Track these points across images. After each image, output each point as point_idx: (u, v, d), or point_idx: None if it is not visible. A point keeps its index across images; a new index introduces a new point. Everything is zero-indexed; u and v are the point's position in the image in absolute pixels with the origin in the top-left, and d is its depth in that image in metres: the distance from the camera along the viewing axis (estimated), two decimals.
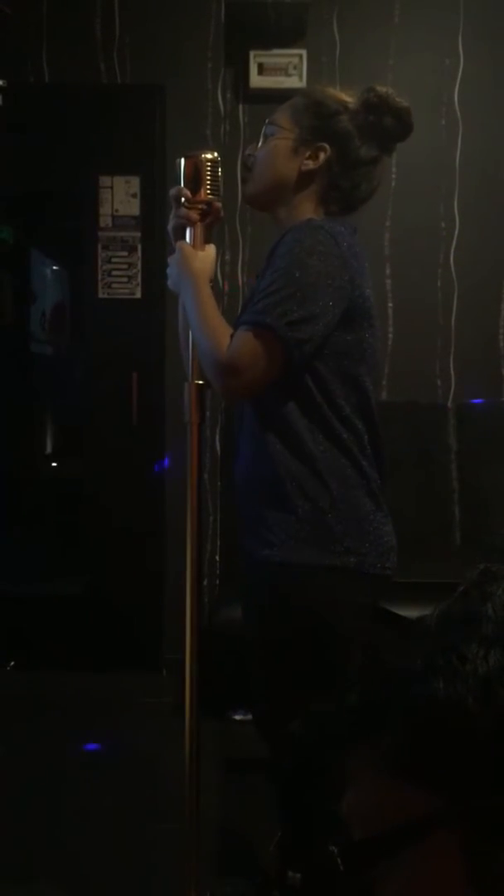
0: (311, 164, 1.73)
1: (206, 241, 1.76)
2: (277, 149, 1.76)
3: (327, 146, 1.72)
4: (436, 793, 0.53)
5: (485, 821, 0.51)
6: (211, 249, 1.76)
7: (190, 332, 1.70)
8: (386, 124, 1.73)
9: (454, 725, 0.52)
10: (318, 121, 1.74)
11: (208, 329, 1.64)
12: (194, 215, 1.71)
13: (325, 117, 1.74)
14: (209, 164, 1.72)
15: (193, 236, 1.74)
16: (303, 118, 1.75)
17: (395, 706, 0.55)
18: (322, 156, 1.72)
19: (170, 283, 1.77)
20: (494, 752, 0.51)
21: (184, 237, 1.74)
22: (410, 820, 0.53)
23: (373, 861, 0.55)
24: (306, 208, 1.75)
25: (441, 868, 0.52)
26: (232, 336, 1.62)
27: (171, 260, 1.76)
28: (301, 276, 1.57)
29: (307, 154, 1.73)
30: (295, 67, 3.69)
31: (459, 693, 0.52)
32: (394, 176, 3.77)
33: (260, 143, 1.80)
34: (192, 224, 1.72)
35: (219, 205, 1.73)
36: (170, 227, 1.76)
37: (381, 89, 1.73)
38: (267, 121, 1.81)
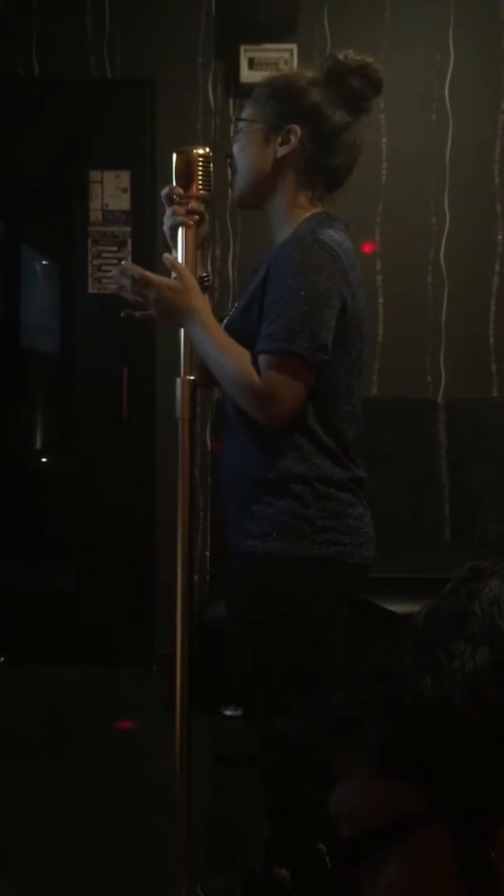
0: (284, 149, 1.73)
1: (198, 241, 1.77)
2: (248, 141, 1.77)
3: (297, 127, 1.71)
4: (424, 790, 0.53)
5: (473, 817, 0.51)
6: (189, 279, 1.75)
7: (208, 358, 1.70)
8: (355, 86, 1.72)
9: (441, 723, 0.53)
10: (282, 104, 1.73)
11: (233, 358, 1.65)
12: (193, 213, 1.71)
13: (289, 98, 1.73)
14: (201, 159, 1.72)
15: (186, 238, 1.74)
16: (266, 106, 1.75)
17: (382, 703, 0.56)
18: (293, 138, 1.72)
19: (163, 321, 1.73)
20: (481, 750, 0.51)
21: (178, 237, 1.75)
22: (399, 817, 0.53)
23: (361, 858, 0.55)
24: (290, 195, 1.75)
25: (429, 864, 0.53)
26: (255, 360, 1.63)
27: (164, 292, 1.68)
28: (313, 295, 1.59)
29: (279, 140, 1.73)
30: (286, 62, 3.68)
31: (447, 691, 0.53)
32: (384, 171, 3.77)
33: (234, 144, 1.81)
34: (189, 224, 1.72)
35: (201, 207, 1.73)
36: (166, 227, 1.76)
37: (339, 54, 1.73)
38: (235, 118, 1.82)
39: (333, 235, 1.65)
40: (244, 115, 1.78)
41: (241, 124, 1.78)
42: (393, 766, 0.54)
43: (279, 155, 1.73)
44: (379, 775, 0.55)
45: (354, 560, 1.69)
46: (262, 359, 1.62)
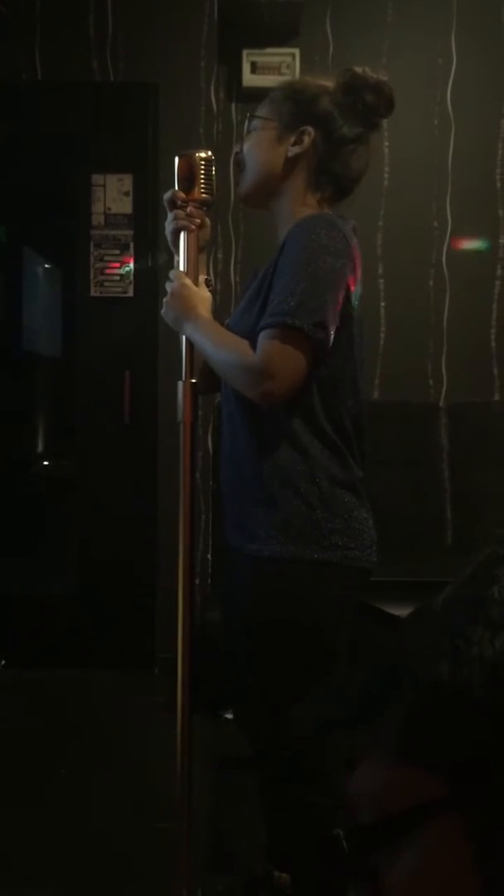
0: (296, 149, 1.73)
1: (200, 245, 1.77)
2: (261, 139, 1.77)
3: (311, 129, 1.72)
4: (441, 776, 0.53)
5: (490, 804, 0.51)
6: (206, 292, 1.79)
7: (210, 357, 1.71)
8: (368, 101, 1.73)
9: (459, 710, 0.52)
10: (297, 106, 1.74)
11: (228, 347, 1.66)
12: (195, 218, 1.72)
13: (304, 102, 1.74)
14: (203, 163, 1.73)
15: (187, 242, 1.74)
16: (282, 107, 1.76)
17: (400, 690, 0.55)
18: (307, 139, 1.72)
19: (167, 318, 1.76)
20: (499, 736, 0.51)
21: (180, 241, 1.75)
22: (416, 803, 0.53)
23: (378, 845, 0.55)
24: (297, 196, 1.75)
25: (446, 852, 0.52)
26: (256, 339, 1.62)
27: (171, 298, 1.74)
28: (320, 273, 1.57)
29: (291, 140, 1.74)
30: (288, 66, 3.69)
31: (464, 677, 0.52)
32: (386, 175, 3.78)
33: (245, 141, 1.81)
34: (191, 228, 1.73)
35: (203, 211, 1.74)
36: (168, 230, 1.76)
37: (357, 69, 1.74)
38: (249, 115, 1.82)
39: (346, 226, 1.66)
40: (259, 112, 1.79)
41: (255, 122, 1.78)
42: (410, 752, 0.54)
43: (291, 154, 1.74)
44: (397, 761, 0.55)
45: (360, 564, 1.68)
46: (260, 335, 1.60)
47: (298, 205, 1.74)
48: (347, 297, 1.63)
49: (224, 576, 1.85)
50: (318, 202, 1.75)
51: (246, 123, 1.82)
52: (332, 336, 1.60)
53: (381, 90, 1.73)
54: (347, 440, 1.70)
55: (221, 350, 1.66)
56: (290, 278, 1.58)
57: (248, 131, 1.80)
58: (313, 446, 1.65)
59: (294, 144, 1.73)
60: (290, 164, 1.74)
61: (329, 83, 1.76)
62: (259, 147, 1.77)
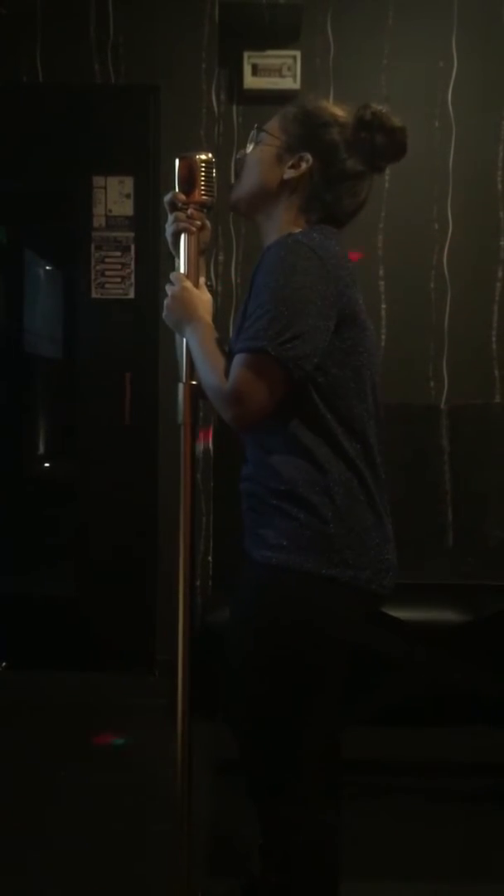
0: (292, 173, 1.71)
1: (200, 248, 1.77)
2: (263, 155, 1.75)
3: (309, 156, 1.70)
4: None
5: None
6: (207, 294, 1.80)
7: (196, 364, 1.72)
8: (377, 142, 1.70)
9: None
10: (305, 130, 1.72)
11: (210, 366, 1.66)
12: (196, 220, 1.72)
13: (313, 127, 1.71)
14: (203, 165, 1.73)
15: (188, 245, 1.74)
16: (291, 126, 1.74)
17: None
18: (304, 165, 1.70)
19: (168, 321, 1.77)
20: None
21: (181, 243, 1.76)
22: None
23: None
24: (287, 218, 1.73)
25: None
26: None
27: (171, 301, 1.75)
28: (286, 294, 1.55)
29: (290, 163, 1.72)
30: (289, 69, 3.69)
31: None
32: (387, 177, 3.77)
33: (249, 148, 1.80)
34: (192, 231, 1.73)
35: (203, 213, 1.75)
36: (168, 233, 1.76)
37: (377, 107, 1.71)
38: (256, 126, 1.80)
39: (315, 237, 1.64)
40: (267, 126, 1.77)
41: (262, 135, 1.77)
42: None
43: (286, 177, 1.72)
44: None
45: (370, 587, 1.65)
46: (233, 362, 1.60)
47: (288, 225, 1.72)
48: (334, 306, 1.60)
49: (234, 584, 1.84)
50: (307, 224, 1.73)
51: (252, 133, 1.80)
52: (312, 353, 1.57)
53: (395, 136, 1.71)
54: (366, 451, 1.68)
55: (205, 368, 1.67)
56: (257, 305, 1.57)
57: (253, 142, 1.79)
58: (327, 461, 1.63)
59: (291, 168, 1.72)
60: (285, 186, 1.72)
61: (344, 114, 1.72)
62: (259, 162, 1.75)
